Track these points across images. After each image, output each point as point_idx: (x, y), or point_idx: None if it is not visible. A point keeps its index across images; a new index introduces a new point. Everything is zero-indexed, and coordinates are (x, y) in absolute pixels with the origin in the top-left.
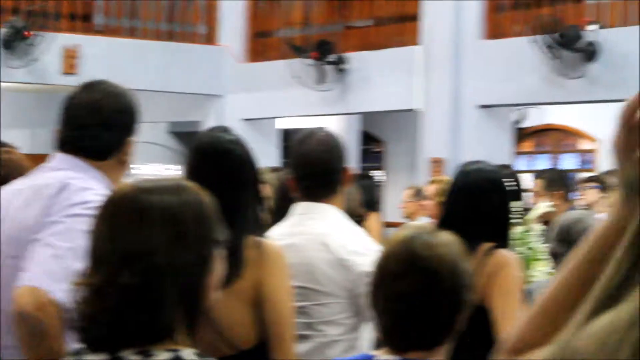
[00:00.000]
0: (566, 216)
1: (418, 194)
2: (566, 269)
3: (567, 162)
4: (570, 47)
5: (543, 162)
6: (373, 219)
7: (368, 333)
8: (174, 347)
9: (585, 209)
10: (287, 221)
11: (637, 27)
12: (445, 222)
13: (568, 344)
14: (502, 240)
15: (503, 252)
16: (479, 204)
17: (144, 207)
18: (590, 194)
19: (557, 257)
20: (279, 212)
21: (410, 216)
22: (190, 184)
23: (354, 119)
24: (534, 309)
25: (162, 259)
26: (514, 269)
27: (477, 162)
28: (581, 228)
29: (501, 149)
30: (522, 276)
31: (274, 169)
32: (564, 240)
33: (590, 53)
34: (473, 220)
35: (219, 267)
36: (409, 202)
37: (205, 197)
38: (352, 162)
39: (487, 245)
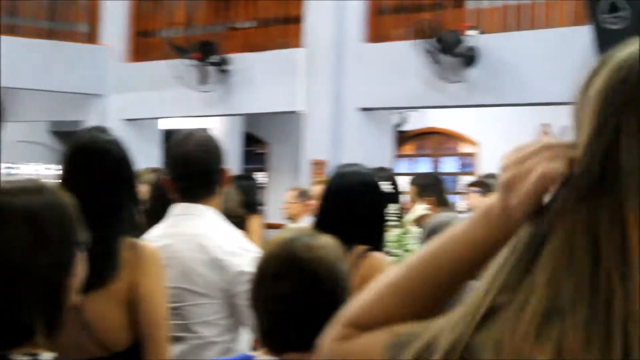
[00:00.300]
0: (435, 218)
1: (301, 195)
2: (425, 255)
3: (448, 165)
4: (450, 51)
5: (424, 165)
6: (254, 221)
7: (246, 334)
8: (33, 351)
9: (468, 212)
10: (164, 222)
11: (516, 33)
12: (321, 223)
13: (460, 340)
14: (376, 242)
15: (377, 255)
16: (353, 206)
17: (4, 208)
18: (473, 198)
19: None
20: (156, 213)
21: (293, 217)
22: (52, 186)
23: (236, 120)
24: (385, 288)
25: (21, 260)
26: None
27: (353, 164)
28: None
29: (382, 152)
30: None
31: (155, 170)
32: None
33: (469, 58)
34: (347, 222)
35: (80, 269)
36: (292, 203)
37: (67, 199)
38: (235, 163)
39: (361, 248)
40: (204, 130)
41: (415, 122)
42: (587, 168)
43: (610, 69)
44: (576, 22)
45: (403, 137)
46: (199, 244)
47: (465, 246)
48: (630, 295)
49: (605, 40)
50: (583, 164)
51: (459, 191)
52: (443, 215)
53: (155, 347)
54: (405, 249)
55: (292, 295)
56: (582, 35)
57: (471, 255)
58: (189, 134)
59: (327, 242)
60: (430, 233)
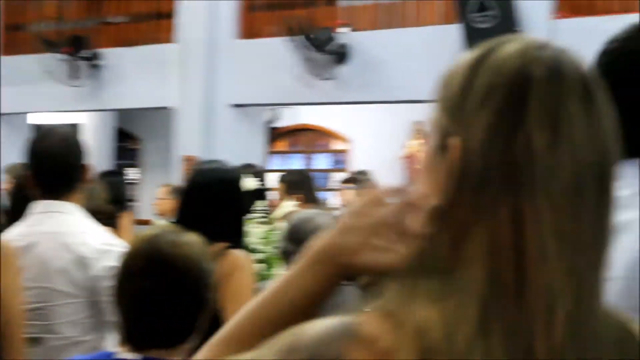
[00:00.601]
0: (298, 215)
1: (173, 191)
2: (267, 295)
3: (320, 161)
4: (322, 48)
5: (297, 162)
6: (124, 217)
7: (112, 333)
8: None
9: (341, 208)
10: (26, 220)
11: (387, 30)
12: (182, 220)
13: None
14: (236, 239)
15: (236, 253)
16: (211, 203)
17: None
18: (347, 194)
19: (287, 255)
20: (19, 211)
21: (164, 214)
22: None
23: (108, 116)
24: (240, 321)
25: None
26: (247, 271)
27: (215, 161)
28: (311, 227)
29: (254, 148)
30: (254, 277)
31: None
32: (294, 239)
33: (341, 55)
34: (206, 219)
35: None
36: (163, 200)
37: None
38: (107, 159)
39: (221, 245)
40: (67, 125)
41: (288, 118)
42: (484, 167)
43: (498, 66)
44: (446, 20)
45: (276, 134)
46: (62, 242)
47: (297, 291)
48: (533, 286)
49: (475, 39)
50: (477, 164)
51: (332, 188)
52: (306, 212)
53: (11, 346)
54: (274, 246)
55: (155, 292)
56: (452, 34)
57: (303, 300)
58: (50, 130)
59: (192, 239)
60: (293, 230)
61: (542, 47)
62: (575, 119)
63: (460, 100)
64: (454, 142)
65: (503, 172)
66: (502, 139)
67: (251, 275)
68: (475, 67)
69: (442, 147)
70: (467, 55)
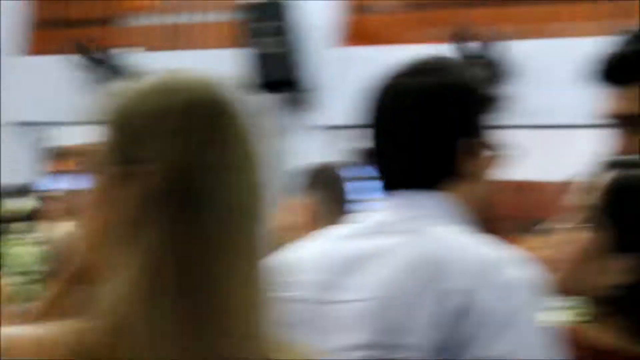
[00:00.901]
0: (69, 236)
1: None
2: None
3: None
4: (105, 68)
5: (80, 182)
6: None
7: None
8: None
9: None
10: None
11: (172, 52)
12: None
13: None
14: None
15: None
16: None
17: None
18: None
19: (54, 276)
20: None
21: None
22: None
23: None
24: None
25: None
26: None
27: None
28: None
29: (30, 168)
30: (7, 299)
31: None
32: (59, 259)
33: (123, 75)
34: None
35: None
36: None
37: None
38: None
39: None
40: None
41: (65, 138)
42: (176, 189)
43: (188, 94)
44: (233, 44)
45: (53, 153)
46: None
47: None
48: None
49: (261, 64)
50: (175, 186)
51: None
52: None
53: None
54: (45, 266)
55: None
56: (238, 58)
57: None
58: None
59: None
60: (60, 249)
61: (216, 79)
62: (248, 143)
63: (147, 127)
64: (148, 167)
65: (188, 192)
66: (192, 161)
67: (8, 297)
68: (160, 94)
69: (124, 174)
70: (141, 83)
